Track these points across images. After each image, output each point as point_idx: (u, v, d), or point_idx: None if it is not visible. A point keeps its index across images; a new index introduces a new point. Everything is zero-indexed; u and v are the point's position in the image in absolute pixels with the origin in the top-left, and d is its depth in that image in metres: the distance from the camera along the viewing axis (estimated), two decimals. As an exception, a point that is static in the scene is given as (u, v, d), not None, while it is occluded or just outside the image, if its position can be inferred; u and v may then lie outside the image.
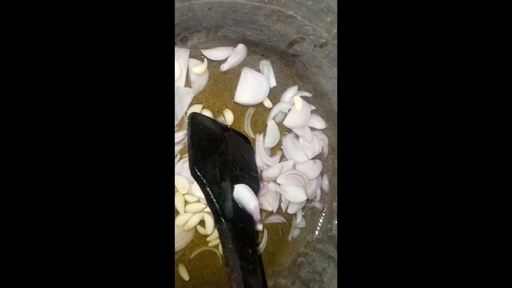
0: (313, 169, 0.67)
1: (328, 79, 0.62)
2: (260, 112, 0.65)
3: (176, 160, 0.58)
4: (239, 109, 0.63)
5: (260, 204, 0.55)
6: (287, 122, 0.64)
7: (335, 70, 0.60)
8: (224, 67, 0.60)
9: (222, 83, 0.61)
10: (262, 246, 0.66)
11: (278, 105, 0.64)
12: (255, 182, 0.57)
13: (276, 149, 0.66)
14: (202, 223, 0.60)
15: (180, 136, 0.56)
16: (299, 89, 0.66)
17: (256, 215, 0.51)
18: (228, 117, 0.61)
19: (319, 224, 0.72)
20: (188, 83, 0.58)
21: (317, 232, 0.72)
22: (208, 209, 0.59)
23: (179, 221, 0.58)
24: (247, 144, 0.61)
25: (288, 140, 0.65)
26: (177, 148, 0.57)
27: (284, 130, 0.66)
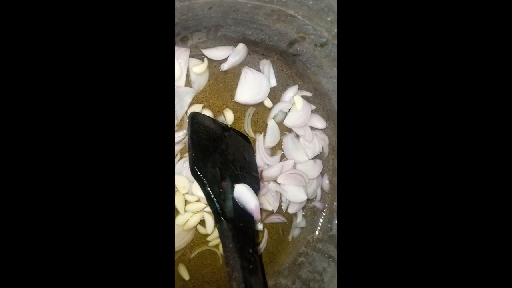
0: (314, 169, 0.67)
1: (329, 78, 0.62)
2: (260, 112, 0.65)
3: (176, 159, 0.58)
4: (240, 109, 0.63)
5: (260, 203, 0.54)
6: (288, 122, 0.64)
7: (335, 69, 0.60)
8: (225, 66, 0.60)
9: (222, 82, 0.61)
10: (262, 245, 0.66)
11: (279, 104, 0.64)
12: (255, 182, 0.57)
13: (276, 149, 0.66)
14: (202, 222, 0.60)
15: (180, 135, 0.56)
16: (300, 88, 0.66)
17: (257, 215, 0.51)
18: (228, 117, 0.61)
19: (320, 224, 0.72)
20: (188, 83, 0.58)
21: (317, 232, 0.72)
22: (208, 209, 0.59)
23: (179, 220, 0.58)
24: (248, 144, 0.61)
25: (288, 140, 0.65)
26: (177, 148, 0.57)
27: (285, 130, 0.66)
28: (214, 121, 0.58)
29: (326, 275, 0.67)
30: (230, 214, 0.48)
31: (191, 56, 0.57)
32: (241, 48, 0.60)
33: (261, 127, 0.65)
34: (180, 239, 0.59)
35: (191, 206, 0.58)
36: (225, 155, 0.54)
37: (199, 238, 0.62)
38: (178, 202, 0.57)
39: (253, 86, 0.61)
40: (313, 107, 0.66)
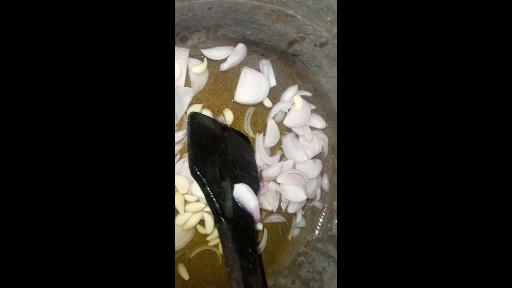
0: (313, 169, 0.67)
1: (328, 78, 0.62)
2: (260, 112, 0.65)
3: (176, 159, 0.58)
4: (239, 109, 0.63)
5: (260, 203, 0.55)
6: (287, 122, 0.64)
7: (335, 69, 0.60)
8: (224, 66, 0.60)
9: (222, 82, 0.61)
10: (262, 245, 0.66)
11: (278, 104, 0.64)
12: (255, 182, 0.57)
13: (276, 149, 0.66)
14: (202, 222, 0.60)
15: (180, 135, 0.56)
16: (299, 88, 0.66)
17: (256, 215, 0.51)
18: (228, 117, 0.61)
19: (319, 224, 0.72)
20: (188, 83, 0.58)
21: (317, 232, 0.72)
22: (208, 209, 0.59)
23: (179, 220, 0.58)
24: (247, 144, 0.61)
25: (288, 140, 0.65)
26: (177, 148, 0.57)
27: (284, 130, 0.66)
28: (213, 121, 0.58)
29: (326, 275, 0.67)
30: (230, 214, 0.48)
31: (190, 56, 0.57)
32: (241, 48, 0.60)
33: (260, 127, 0.65)
34: (180, 239, 0.59)
35: (190, 206, 0.58)
36: (225, 155, 0.54)
37: (198, 238, 0.62)
38: (178, 202, 0.57)
39: (252, 86, 0.61)
40: (313, 107, 0.66)
